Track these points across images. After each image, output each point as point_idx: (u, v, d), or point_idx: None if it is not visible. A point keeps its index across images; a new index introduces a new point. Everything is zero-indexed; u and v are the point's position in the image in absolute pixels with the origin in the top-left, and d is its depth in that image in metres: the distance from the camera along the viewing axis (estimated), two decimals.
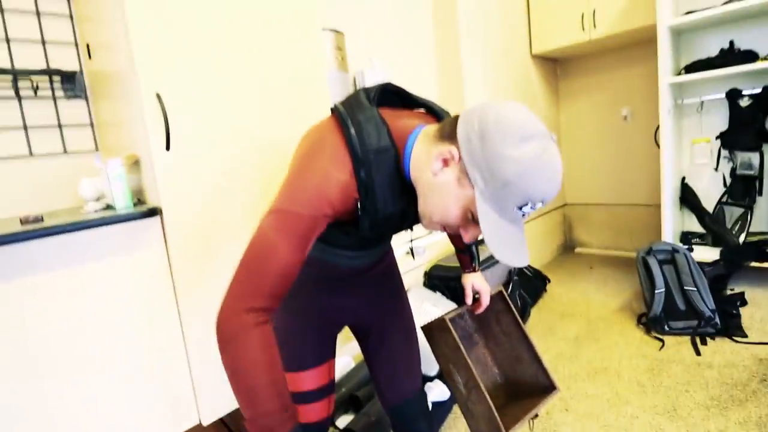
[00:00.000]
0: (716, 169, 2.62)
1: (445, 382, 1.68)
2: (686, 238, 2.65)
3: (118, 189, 1.15)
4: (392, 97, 0.79)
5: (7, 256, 0.96)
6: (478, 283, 1.06)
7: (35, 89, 1.37)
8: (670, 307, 2.06)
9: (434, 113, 0.80)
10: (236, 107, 1.31)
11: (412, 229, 0.87)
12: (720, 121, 2.58)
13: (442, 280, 2.21)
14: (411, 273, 2.26)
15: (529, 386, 1.10)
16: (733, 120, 2.48)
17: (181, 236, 1.20)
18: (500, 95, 2.78)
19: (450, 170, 0.64)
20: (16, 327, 0.97)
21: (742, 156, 2.49)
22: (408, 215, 0.75)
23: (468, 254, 1.08)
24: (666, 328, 2.05)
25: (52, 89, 1.41)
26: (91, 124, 1.49)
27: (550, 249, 3.40)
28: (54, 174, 1.41)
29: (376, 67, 2.08)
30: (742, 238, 2.43)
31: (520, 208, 0.61)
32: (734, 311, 2.08)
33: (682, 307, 2.04)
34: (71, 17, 1.44)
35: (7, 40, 1.32)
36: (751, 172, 2.46)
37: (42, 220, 1.06)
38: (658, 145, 2.46)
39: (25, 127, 1.36)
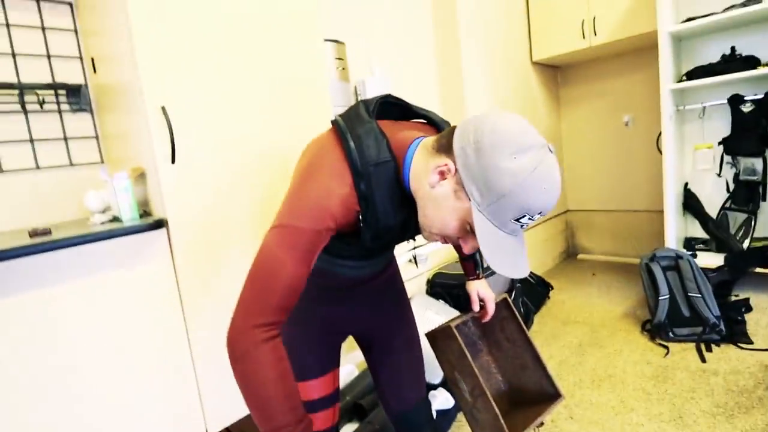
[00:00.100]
0: (719, 175, 2.62)
1: (449, 390, 1.68)
2: (690, 244, 2.64)
3: (125, 201, 1.16)
4: (392, 108, 0.79)
5: (17, 270, 0.97)
6: (483, 291, 1.06)
7: (41, 103, 1.38)
8: (675, 313, 2.05)
9: (434, 124, 0.81)
10: (240, 119, 1.32)
11: (414, 239, 0.87)
12: (722, 127, 2.58)
13: (444, 288, 2.21)
14: (414, 281, 2.26)
15: (533, 394, 1.09)
16: (736, 126, 2.48)
17: (187, 247, 1.21)
18: (501, 102, 2.79)
19: (447, 183, 0.64)
20: (25, 339, 0.98)
21: (745, 161, 2.49)
22: (409, 226, 0.76)
23: (472, 261, 1.08)
24: (670, 334, 2.04)
25: (58, 103, 1.42)
26: (96, 137, 1.50)
27: (553, 256, 3.40)
28: (60, 186, 1.42)
29: (377, 76, 2.10)
30: (746, 244, 2.42)
31: (518, 220, 0.61)
32: (739, 317, 2.07)
33: (687, 313, 2.04)
34: (76, 32, 1.46)
35: (13, 55, 1.34)
36: (755, 178, 2.46)
37: (50, 232, 1.07)
38: (660, 151, 2.46)
39: (32, 140, 1.38)
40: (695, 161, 2.71)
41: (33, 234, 1.06)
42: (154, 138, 1.13)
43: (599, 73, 3.25)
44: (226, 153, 1.29)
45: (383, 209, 0.69)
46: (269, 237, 0.65)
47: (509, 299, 1.12)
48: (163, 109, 1.14)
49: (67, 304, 1.04)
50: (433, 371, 1.65)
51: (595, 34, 2.77)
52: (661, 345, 2.02)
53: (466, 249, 0.68)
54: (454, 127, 0.66)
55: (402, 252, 2.20)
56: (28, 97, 1.36)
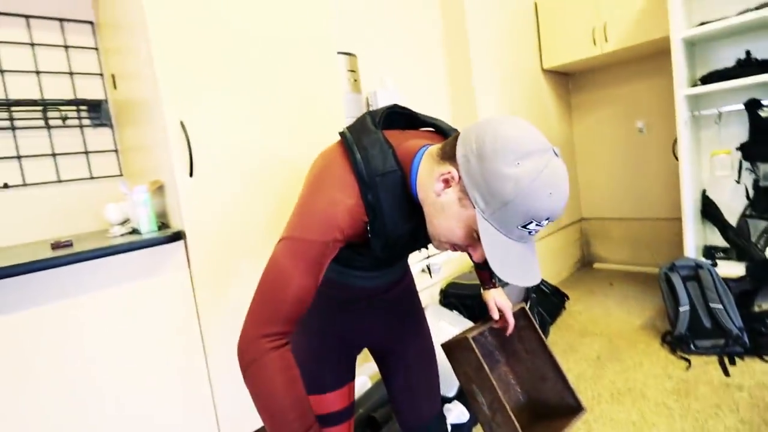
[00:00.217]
0: (738, 182, 2.56)
1: (464, 403, 1.66)
2: (709, 252, 2.58)
3: (143, 214, 1.18)
4: (399, 118, 0.80)
5: (41, 281, 1.00)
6: (500, 300, 1.04)
7: (64, 118, 1.43)
8: (696, 325, 2.00)
9: (442, 132, 0.81)
10: (255, 132, 1.34)
11: (426, 248, 0.87)
12: (740, 132, 2.53)
13: (458, 298, 2.19)
14: (427, 291, 2.25)
15: (553, 406, 1.07)
16: (754, 131, 2.43)
17: (204, 259, 1.22)
18: (512, 111, 2.79)
19: (451, 190, 0.63)
20: (48, 348, 1.00)
21: (765, 167, 2.43)
22: (419, 235, 0.75)
23: (487, 270, 1.07)
24: (692, 347, 1.99)
25: (80, 118, 1.47)
26: (116, 151, 1.54)
27: (567, 265, 3.35)
28: (80, 198, 1.46)
29: (388, 87, 2.12)
30: (767, 253, 2.35)
31: (525, 227, 0.59)
32: (763, 329, 2.00)
33: (708, 325, 1.98)
34: (97, 49, 1.51)
35: (38, 73, 1.39)
36: None
37: (71, 244, 1.10)
38: (677, 158, 2.42)
39: (54, 155, 1.42)
40: (713, 167, 2.66)
41: (55, 246, 1.08)
42: (172, 152, 1.16)
43: (611, 80, 3.22)
44: (242, 166, 1.31)
45: (391, 219, 0.69)
46: (277, 249, 0.67)
47: (527, 308, 1.10)
48: (182, 123, 1.16)
49: (88, 314, 1.06)
50: (448, 384, 1.63)
51: (607, 41, 2.76)
52: (682, 358, 1.97)
53: (475, 257, 0.67)
54: (458, 134, 0.65)
55: (415, 261, 2.20)
56: (51, 113, 1.40)
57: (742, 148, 2.49)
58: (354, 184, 0.67)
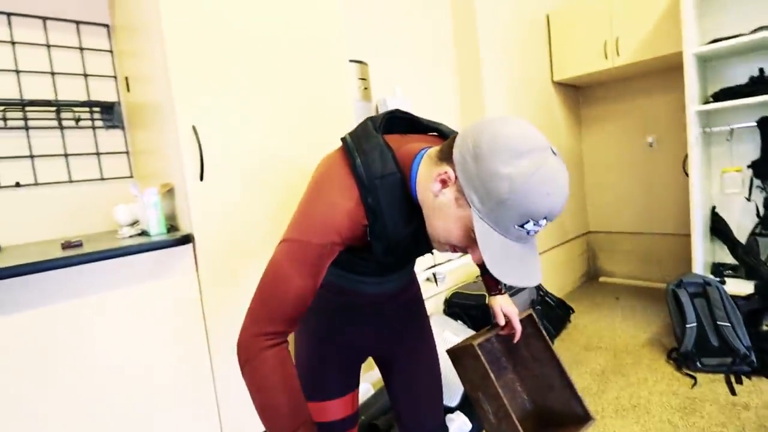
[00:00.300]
0: (748, 199, 2.54)
1: (467, 412, 1.64)
2: (718, 269, 2.55)
3: (153, 216, 1.19)
4: (400, 123, 0.80)
5: (51, 280, 1.01)
6: (507, 306, 1.04)
7: (77, 120, 1.44)
8: (703, 342, 1.97)
9: (444, 136, 0.81)
10: (266, 138, 1.35)
11: (432, 253, 0.87)
12: (751, 150, 2.51)
13: (462, 308, 2.17)
14: (432, 299, 2.24)
15: (560, 415, 1.05)
16: (766, 148, 2.42)
17: (212, 262, 1.23)
18: None
19: (448, 191, 0.63)
20: (56, 347, 1.01)
21: None
22: (421, 238, 0.75)
23: (491, 274, 1.06)
24: (698, 364, 1.96)
25: (92, 119, 1.48)
26: (127, 153, 1.55)
27: (573, 278, 3.32)
28: (91, 199, 1.47)
29: (398, 96, 2.12)
30: None
31: (522, 226, 0.59)
32: None
33: (716, 343, 1.96)
34: (111, 52, 1.52)
35: (52, 74, 1.41)
36: None
37: (81, 244, 1.11)
38: (687, 174, 2.40)
39: (66, 155, 1.43)
40: (723, 184, 2.64)
41: (65, 246, 1.09)
42: (184, 155, 1.17)
43: (622, 94, 3.22)
44: (251, 171, 1.32)
45: (392, 221, 0.69)
46: (278, 251, 0.68)
47: (534, 315, 1.09)
48: (194, 128, 1.17)
49: (96, 314, 1.07)
50: (451, 393, 1.62)
51: (618, 55, 2.75)
52: (688, 375, 1.94)
53: (474, 258, 0.67)
54: (456, 135, 0.66)
55: (421, 270, 2.19)
56: (64, 114, 1.42)
57: (754, 165, 2.47)
58: (354, 188, 0.68)
